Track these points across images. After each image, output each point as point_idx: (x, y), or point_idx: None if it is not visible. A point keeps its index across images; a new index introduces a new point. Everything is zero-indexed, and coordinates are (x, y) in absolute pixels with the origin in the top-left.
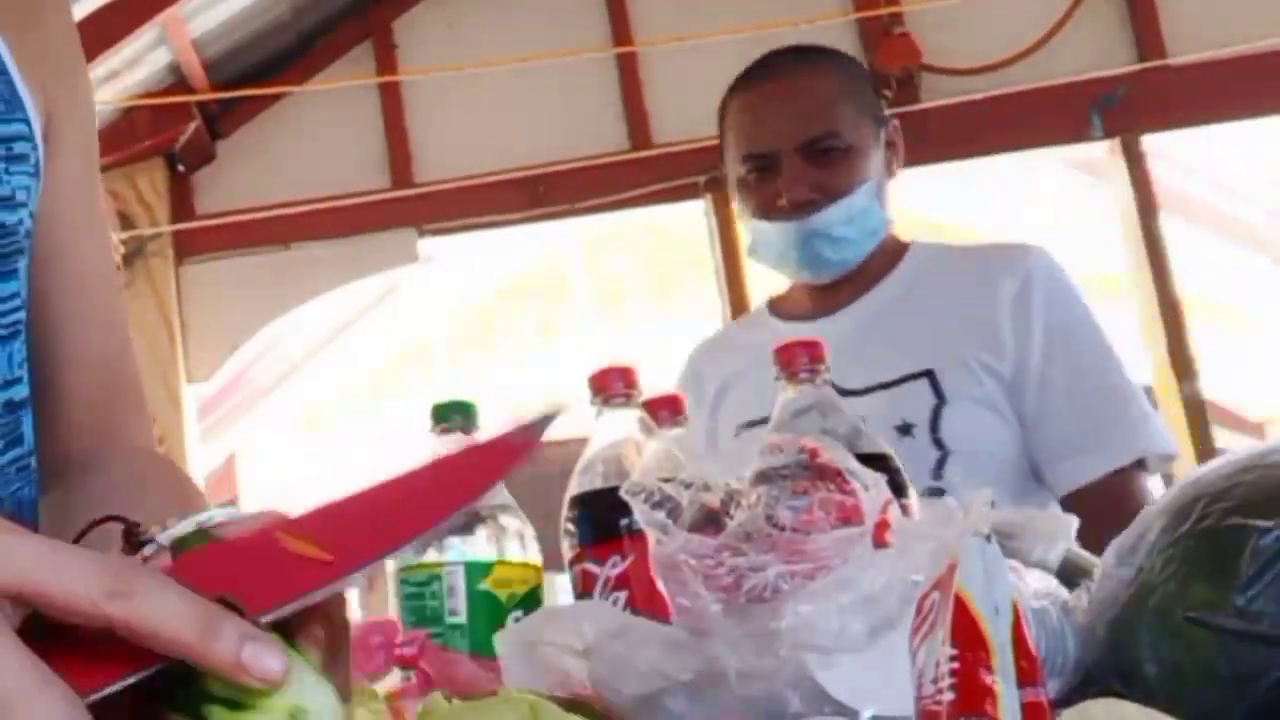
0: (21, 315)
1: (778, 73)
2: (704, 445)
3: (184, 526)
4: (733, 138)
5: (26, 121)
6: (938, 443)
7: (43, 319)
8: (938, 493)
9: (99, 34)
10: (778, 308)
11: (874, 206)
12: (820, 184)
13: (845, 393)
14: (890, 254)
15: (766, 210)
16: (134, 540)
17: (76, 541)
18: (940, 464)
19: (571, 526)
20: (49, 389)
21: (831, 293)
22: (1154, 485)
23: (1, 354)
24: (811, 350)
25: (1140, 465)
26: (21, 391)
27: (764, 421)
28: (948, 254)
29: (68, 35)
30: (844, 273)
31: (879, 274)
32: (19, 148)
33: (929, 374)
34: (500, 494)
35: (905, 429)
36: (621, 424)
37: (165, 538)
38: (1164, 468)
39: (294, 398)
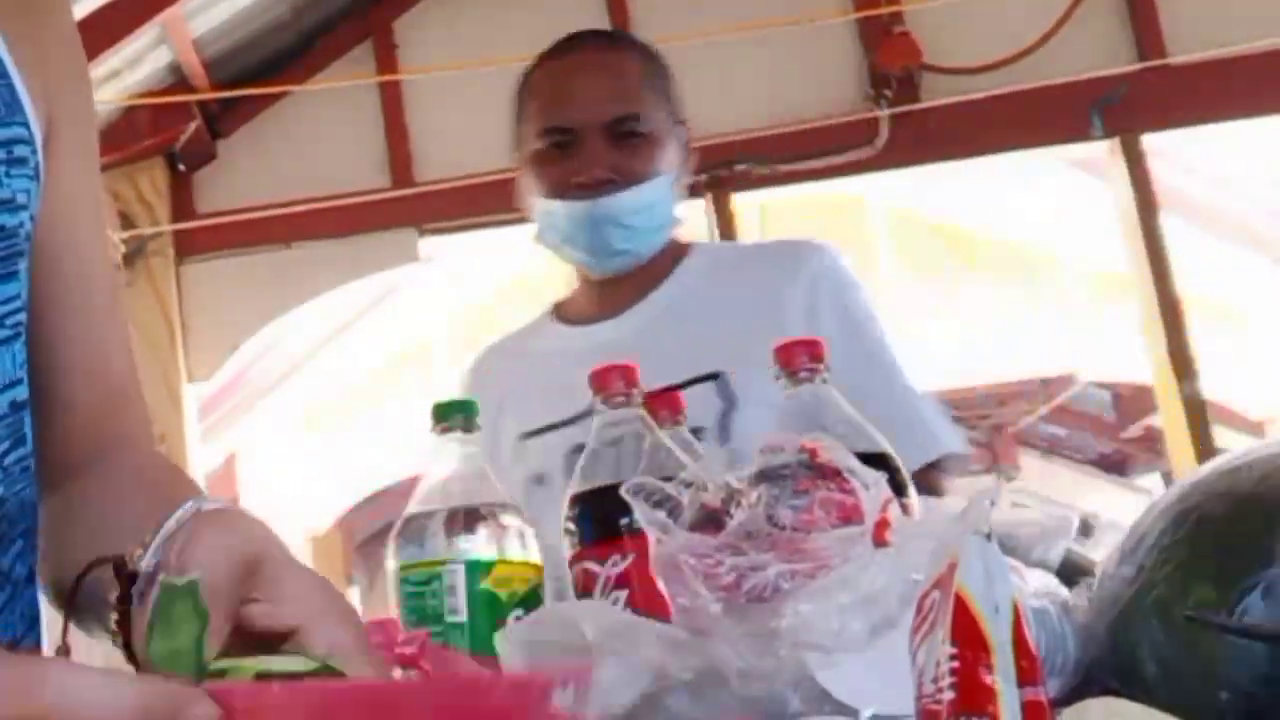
0: (22, 317)
1: (587, 50)
2: (488, 456)
3: (168, 525)
4: (534, 109)
5: (26, 125)
6: (727, 446)
7: (44, 321)
8: None
9: (99, 33)
10: (561, 312)
11: (668, 199)
12: (619, 166)
13: None
14: (674, 255)
15: (560, 188)
16: (123, 577)
17: (76, 585)
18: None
19: (572, 526)
20: (50, 392)
21: (615, 293)
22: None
23: (4, 355)
24: (811, 349)
25: (935, 467)
26: (23, 393)
27: (548, 430)
28: (731, 253)
29: (70, 38)
30: (629, 265)
31: (662, 274)
32: (19, 151)
33: (716, 377)
34: (500, 493)
35: (695, 432)
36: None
37: (146, 564)
38: (961, 468)
39: (294, 398)
